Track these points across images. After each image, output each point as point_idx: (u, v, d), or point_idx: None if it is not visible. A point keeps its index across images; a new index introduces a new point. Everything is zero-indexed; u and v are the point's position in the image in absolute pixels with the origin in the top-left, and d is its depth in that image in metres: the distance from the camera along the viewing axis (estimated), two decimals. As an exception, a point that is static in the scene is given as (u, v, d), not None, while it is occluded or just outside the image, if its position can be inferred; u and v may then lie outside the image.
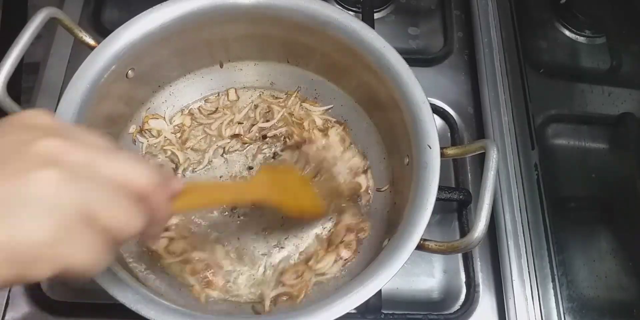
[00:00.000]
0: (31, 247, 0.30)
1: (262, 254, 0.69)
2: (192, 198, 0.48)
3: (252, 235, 0.71)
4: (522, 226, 0.77)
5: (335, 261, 0.68)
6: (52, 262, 0.31)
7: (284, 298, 0.66)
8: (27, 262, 0.31)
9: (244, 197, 0.64)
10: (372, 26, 0.69)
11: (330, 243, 0.70)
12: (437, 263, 0.75)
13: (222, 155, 0.75)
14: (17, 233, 0.30)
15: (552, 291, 0.73)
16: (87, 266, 0.33)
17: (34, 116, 0.36)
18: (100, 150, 0.35)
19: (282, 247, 0.70)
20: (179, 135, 0.75)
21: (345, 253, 0.68)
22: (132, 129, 0.73)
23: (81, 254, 0.32)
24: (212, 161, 0.75)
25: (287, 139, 0.76)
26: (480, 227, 0.52)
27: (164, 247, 0.67)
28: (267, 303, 0.64)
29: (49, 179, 0.31)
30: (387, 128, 0.72)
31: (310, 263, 0.68)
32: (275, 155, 0.76)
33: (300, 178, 0.72)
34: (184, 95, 0.77)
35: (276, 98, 0.79)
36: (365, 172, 0.74)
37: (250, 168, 0.75)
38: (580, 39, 0.83)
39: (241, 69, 0.78)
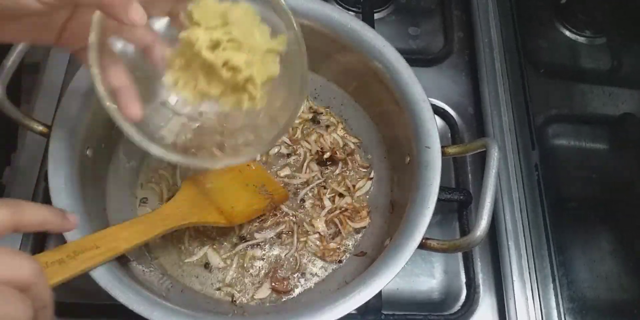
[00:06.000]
0: None
1: None
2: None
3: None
4: (523, 226, 0.77)
5: None
6: None
7: None
8: None
9: (154, 232, 0.59)
10: (372, 26, 0.69)
11: None
12: (438, 264, 0.75)
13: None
14: None
15: (552, 292, 0.73)
16: None
17: None
18: None
19: None
20: None
21: None
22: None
23: None
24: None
25: None
26: (482, 225, 0.52)
27: None
28: None
29: None
30: (387, 127, 0.72)
31: None
32: None
33: (231, 178, 0.69)
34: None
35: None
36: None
37: None
38: (581, 39, 0.83)
39: (241, 69, 0.78)
